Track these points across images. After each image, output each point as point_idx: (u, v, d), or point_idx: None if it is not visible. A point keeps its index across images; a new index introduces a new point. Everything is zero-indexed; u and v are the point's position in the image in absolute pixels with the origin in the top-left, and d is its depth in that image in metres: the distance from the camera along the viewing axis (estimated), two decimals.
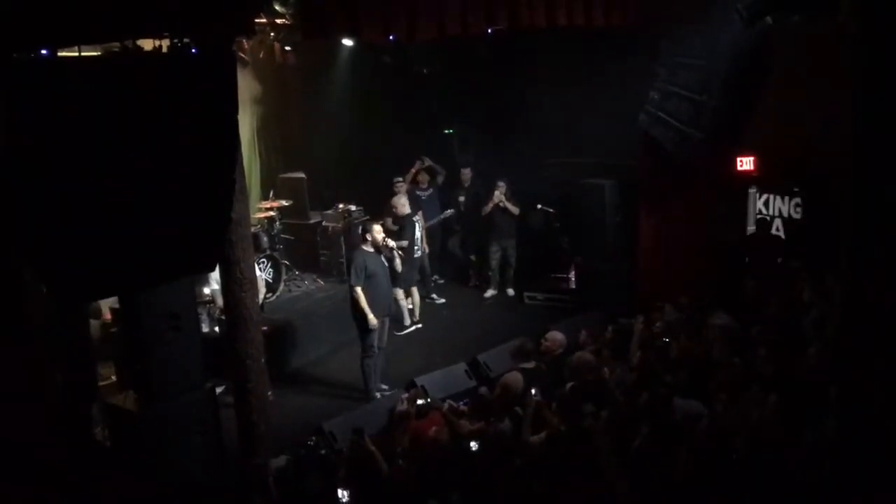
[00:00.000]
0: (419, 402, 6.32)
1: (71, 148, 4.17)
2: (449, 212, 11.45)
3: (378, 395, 8.17)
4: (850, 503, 4.40)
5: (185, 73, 4.76)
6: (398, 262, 8.74)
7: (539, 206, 10.95)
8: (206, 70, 4.85)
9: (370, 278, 8.18)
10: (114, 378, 7.84)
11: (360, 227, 9.13)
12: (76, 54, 4.46)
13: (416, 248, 10.10)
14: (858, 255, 7.19)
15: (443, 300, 11.18)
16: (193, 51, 4.93)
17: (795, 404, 5.38)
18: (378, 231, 8.41)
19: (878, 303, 6.57)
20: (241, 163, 6.23)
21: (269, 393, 7.17)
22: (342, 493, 4.62)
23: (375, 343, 8.29)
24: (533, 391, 5.75)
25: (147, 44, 4.79)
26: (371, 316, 8.10)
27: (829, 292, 7.39)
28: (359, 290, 8.12)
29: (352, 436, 5.43)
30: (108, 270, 4.43)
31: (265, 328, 8.20)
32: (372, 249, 8.34)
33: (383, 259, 8.46)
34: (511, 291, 11.33)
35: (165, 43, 4.90)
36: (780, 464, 4.80)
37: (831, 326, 6.55)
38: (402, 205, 9.92)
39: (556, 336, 7.39)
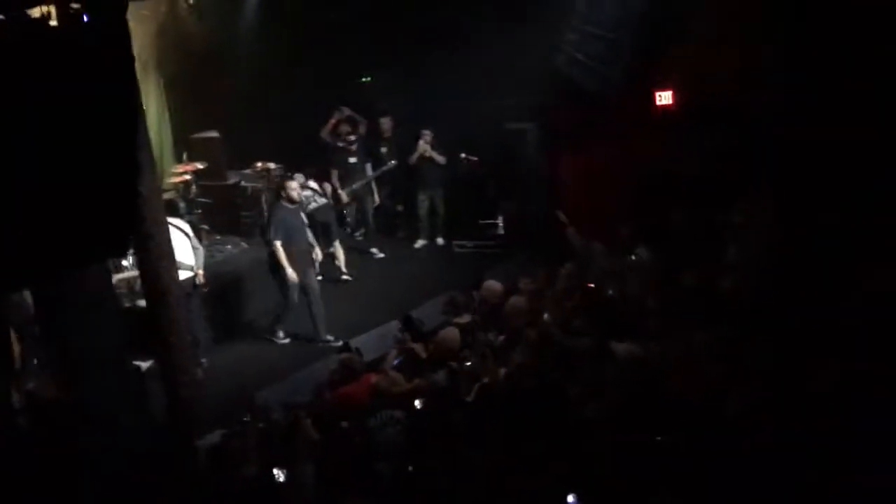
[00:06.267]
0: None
1: None
2: (391, 163, 11.08)
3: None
4: (787, 436, 4.49)
5: (77, 43, 4.45)
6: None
7: (462, 156, 10.82)
8: (98, 38, 4.55)
9: (288, 233, 8.35)
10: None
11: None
12: None
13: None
14: (782, 185, 7.36)
15: (382, 255, 11.02)
16: (84, 18, 4.63)
17: (726, 337, 5.49)
18: (290, 187, 8.61)
19: (803, 229, 6.76)
20: (148, 135, 5.93)
21: (199, 369, 7.02)
22: (278, 473, 4.54)
23: (293, 294, 8.45)
24: (468, 353, 5.75)
25: (34, 12, 4.46)
26: (290, 271, 8.28)
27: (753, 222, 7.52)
28: (277, 244, 8.31)
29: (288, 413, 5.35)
30: (10, 264, 4.17)
31: (206, 289, 8.33)
32: (289, 204, 8.55)
33: (302, 214, 8.73)
34: (440, 241, 11.25)
35: (53, 10, 4.59)
36: (714, 399, 4.90)
37: (761, 255, 6.70)
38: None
39: (493, 285, 7.34)
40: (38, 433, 6.42)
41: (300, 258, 8.43)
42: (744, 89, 7.84)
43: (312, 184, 10.12)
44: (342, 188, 10.68)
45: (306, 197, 9.77)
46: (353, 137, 10.90)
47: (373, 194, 11.21)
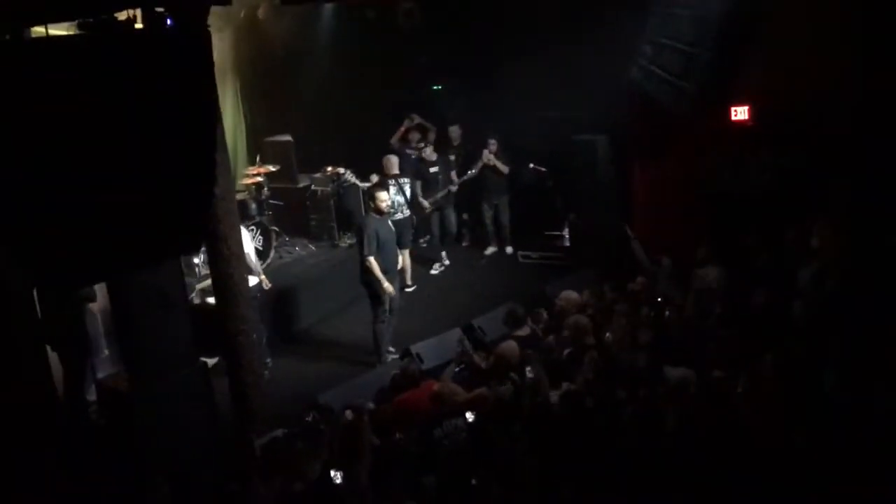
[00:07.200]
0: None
1: (45, 132, 4.02)
2: (473, 172, 11.00)
3: (389, 358, 8.24)
4: (852, 459, 4.35)
5: (160, 47, 4.58)
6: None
7: (531, 166, 10.75)
8: (181, 43, 4.68)
9: (381, 245, 8.15)
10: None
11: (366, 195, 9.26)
12: (44, 34, 4.32)
13: (395, 210, 9.75)
14: (860, 205, 7.12)
15: (447, 262, 11.01)
16: (168, 22, 4.76)
17: (792, 360, 5.33)
18: (381, 198, 8.31)
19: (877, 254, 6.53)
20: (223, 135, 6.05)
21: (266, 371, 7.11)
22: (335, 474, 4.57)
23: (388, 307, 8.30)
24: (528, 369, 5.69)
25: (120, 15, 4.61)
26: (387, 284, 8.09)
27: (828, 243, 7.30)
28: (371, 259, 8.06)
29: (347, 412, 5.38)
30: (90, 256, 4.32)
31: (258, 294, 8.14)
32: (378, 215, 8.31)
33: (390, 223, 8.51)
34: (509, 249, 11.26)
35: (139, 13, 4.73)
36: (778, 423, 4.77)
37: (831, 278, 6.49)
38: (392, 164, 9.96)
39: (571, 295, 7.22)
40: (108, 424, 6.62)
41: (390, 269, 8.29)
42: (822, 107, 7.63)
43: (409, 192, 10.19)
44: (425, 198, 10.65)
45: (395, 205, 9.77)
46: (423, 144, 10.94)
47: (452, 203, 11.20)
